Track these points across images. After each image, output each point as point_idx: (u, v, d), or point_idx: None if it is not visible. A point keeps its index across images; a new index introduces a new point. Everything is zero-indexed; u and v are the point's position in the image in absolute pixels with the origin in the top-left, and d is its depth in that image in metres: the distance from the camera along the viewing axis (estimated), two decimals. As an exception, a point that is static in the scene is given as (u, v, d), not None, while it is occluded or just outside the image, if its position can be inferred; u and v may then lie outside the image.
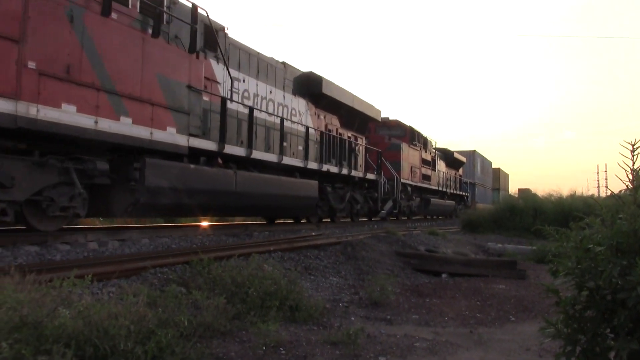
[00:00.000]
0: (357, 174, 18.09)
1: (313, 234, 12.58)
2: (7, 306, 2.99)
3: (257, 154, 12.04)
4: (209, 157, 10.77)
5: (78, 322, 3.01)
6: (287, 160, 13.43)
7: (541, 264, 10.31)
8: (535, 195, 27.17)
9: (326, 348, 4.15)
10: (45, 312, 2.95)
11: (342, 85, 17.44)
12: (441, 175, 31.02)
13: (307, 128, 14.54)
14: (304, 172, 14.51)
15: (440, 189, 30.44)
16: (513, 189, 59.23)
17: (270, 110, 13.22)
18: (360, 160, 19.06)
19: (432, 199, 27.94)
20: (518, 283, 8.30)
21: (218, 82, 11.19)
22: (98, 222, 13.28)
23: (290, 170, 13.78)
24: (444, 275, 9.29)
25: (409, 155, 24.44)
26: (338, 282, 7.70)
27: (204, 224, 13.23)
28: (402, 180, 22.72)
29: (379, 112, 20.72)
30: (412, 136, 25.38)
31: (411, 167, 24.64)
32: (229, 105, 11.19)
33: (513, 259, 10.01)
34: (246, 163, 11.96)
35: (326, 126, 16.43)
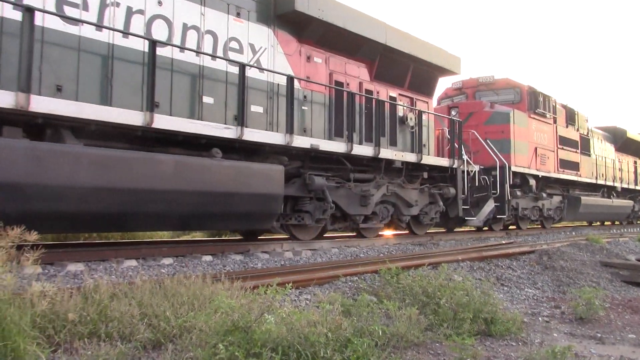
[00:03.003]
0: (404, 157, 11.06)
1: (503, 242, 11.95)
2: (221, 311, 3.30)
3: (64, 107, 6.13)
4: None
5: (282, 328, 3.20)
6: (167, 123, 7.04)
7: None
8: None
9: (528, 366, 3.86)
10: (254, 318, 3.19)
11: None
12: (603, 163, 21.73)
13: (243, 67, 7.88)
14: (254, 150, 8.46)
15: (601, 182, 21.30)
16: None
17: (161, 35, 7.35)
18: (425, 136, 12.19)
19: (583, 197, 19.06)
20: None
21: None
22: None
23: (217, 147, 7.77)
24: (663, 289, 8.12)
25: (531, 131, 16.39)
26: (535, 294, 7.18)
27: (388, 233, 13.00)
28: (514, 169, 15.04)
29: (455, 60, 13.04)
30: (534, 102, 16.72)
31: (535, 149, 16.50)
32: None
33: None
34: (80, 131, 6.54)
35: (330, 75, 9.99)
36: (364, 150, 10.07)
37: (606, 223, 24.85)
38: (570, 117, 19.45)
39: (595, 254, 10.05)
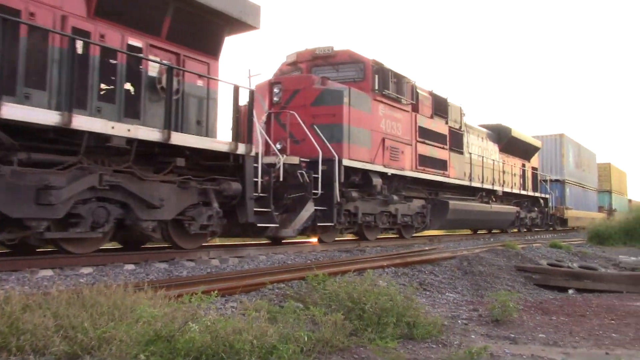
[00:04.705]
0: (132, 131, 7.19)
1: (427, 248, 12.35)
2: (143, 320, 3.21)
3: None
4: None
5: (206, 336, 3.16)
6: None
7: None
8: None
9: (447, 367, 4.01)
10: (177, 327, 3.13)
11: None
12: (480, 163, 18.95)
13: None
14: None
15: (477, 184, 18.46)
16: (635, 192, 50.74)
17: None
18: (200, 110, 8.71)
19: (451, 202, 16.00)
20: (659, 300, 7.53)
21: None
22: (218, 240, 14.00)
23: None
24: (570, 291, 8.68)
25: (376, 117, 12.96)
26: (455, 298, 7.47)
27: (315, 240, 12.93)
28: (348, 163, 11.70)
29: (250, 8, 9.19)
30: (382, 81, 13.18)
31: (383, 140, 13.09)
32: None
33: (651, 274, 9.02)
34: None
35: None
36: (35, 115, 6.19)
37: (495, 230, 22.49)
38: (439, 107, 16.23)
39: (510, 259, 10.58)
